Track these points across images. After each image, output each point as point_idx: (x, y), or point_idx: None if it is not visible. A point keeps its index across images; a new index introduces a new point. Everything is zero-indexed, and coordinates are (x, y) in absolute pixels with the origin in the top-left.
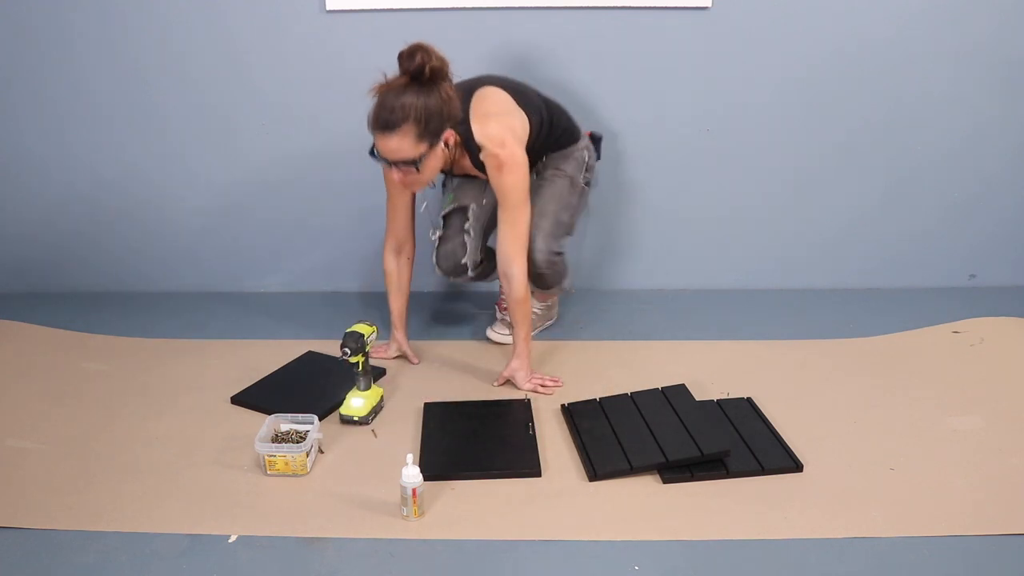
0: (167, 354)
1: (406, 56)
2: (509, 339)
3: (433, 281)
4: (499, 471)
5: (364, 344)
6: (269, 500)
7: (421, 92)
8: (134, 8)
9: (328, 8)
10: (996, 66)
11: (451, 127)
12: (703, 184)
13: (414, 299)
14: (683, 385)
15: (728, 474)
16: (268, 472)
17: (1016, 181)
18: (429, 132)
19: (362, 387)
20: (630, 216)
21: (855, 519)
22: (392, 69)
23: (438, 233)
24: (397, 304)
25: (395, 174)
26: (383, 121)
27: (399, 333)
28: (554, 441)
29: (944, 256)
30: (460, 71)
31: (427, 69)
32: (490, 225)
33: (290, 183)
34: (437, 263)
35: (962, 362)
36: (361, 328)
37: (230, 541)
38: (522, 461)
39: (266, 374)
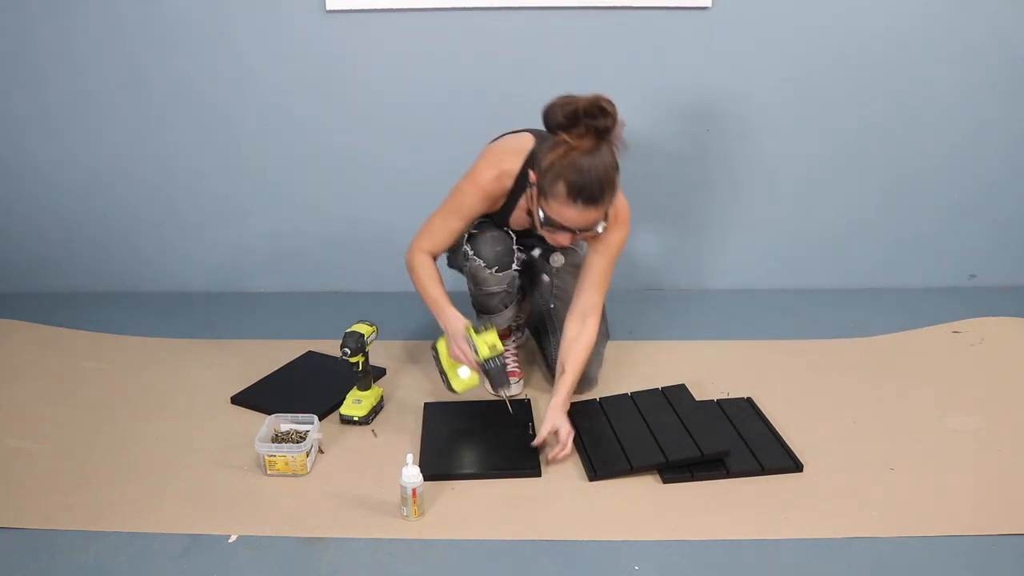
0: (167, 354)
1: (595, 112)
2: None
3: None
4: (499, 471)
5: (364, 344)
6: (269, 500)
7: (609, 152)
8: (133, 8)
9: (328, 8)
10: (996, 66)
11: None
12: (702, 184)
13: (412, 299)
14: (683, 385)
15: (728, 474)
16: (268, 472)
17: (1016, 181)
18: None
19: (362, 387)
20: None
21: (855, 519)
22: (391, 69)
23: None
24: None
25: (563, 237)
26: (591, 195)
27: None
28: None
29: (944, 256)
30: (459, 71)
31: (615, 126)
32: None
33: (290, 183)
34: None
35: (962, 362)
36: (361, 328)
37: (230, 541)
38: (522, 461)
39: (266, 374)
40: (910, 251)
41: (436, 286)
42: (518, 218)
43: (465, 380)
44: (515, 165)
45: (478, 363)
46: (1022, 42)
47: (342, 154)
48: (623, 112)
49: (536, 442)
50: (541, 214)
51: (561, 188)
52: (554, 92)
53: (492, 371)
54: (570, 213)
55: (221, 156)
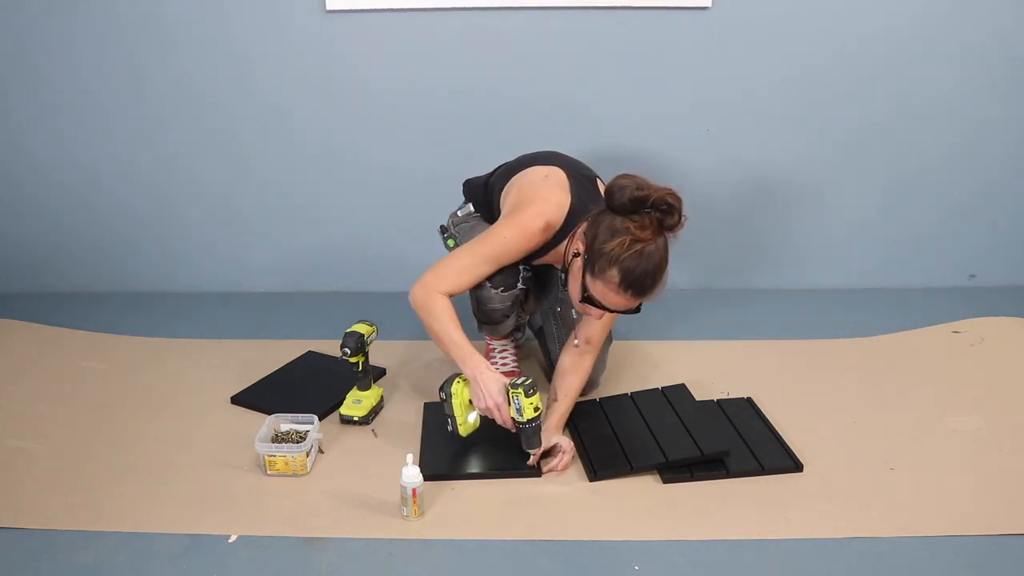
0: (167, 354)
1: (664, 206)
2: None
3: None
4: (499, 471)
5: (364, 344)
6: (269, 500)
7: (666, 245)
8: (133, 8)
9: (328, 8)
10: (996, 66)
11: None
12: (703, 184)
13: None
14: (683, 385)
15: (728, 474)
16: (268, 472)
17: (1016, 181)
18: None
19: (362, 387)
20: None
21: (855, 519)
22: (391, 69)
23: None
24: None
25: (595, 312)
26: (642, 288)
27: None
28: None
29: (944, 256)
30: (459, 71)
31: (679, 225)
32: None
33: (290, 183)
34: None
35: (962, 362)
36: (361, 328)
37: (230, 541)
38: (522, 461)
39: (266, 374)
40: (910, 251)
41: (460, 331)
42: (539, 260)
43: (471, 424)
44: (560, 218)
45: (517, 422)
46: (1022, 42)
47: (342, 154)
48: (620, 111)
49: (531, 462)
50: (582, 289)
51: (615, 275)
52: (554, 92)
53: (530, 431)
54: (616, 299)
55: (221, 156)
